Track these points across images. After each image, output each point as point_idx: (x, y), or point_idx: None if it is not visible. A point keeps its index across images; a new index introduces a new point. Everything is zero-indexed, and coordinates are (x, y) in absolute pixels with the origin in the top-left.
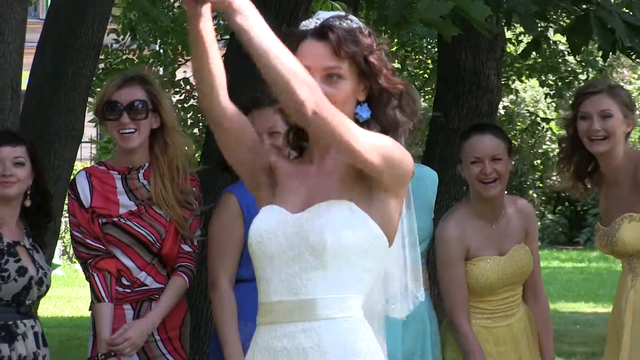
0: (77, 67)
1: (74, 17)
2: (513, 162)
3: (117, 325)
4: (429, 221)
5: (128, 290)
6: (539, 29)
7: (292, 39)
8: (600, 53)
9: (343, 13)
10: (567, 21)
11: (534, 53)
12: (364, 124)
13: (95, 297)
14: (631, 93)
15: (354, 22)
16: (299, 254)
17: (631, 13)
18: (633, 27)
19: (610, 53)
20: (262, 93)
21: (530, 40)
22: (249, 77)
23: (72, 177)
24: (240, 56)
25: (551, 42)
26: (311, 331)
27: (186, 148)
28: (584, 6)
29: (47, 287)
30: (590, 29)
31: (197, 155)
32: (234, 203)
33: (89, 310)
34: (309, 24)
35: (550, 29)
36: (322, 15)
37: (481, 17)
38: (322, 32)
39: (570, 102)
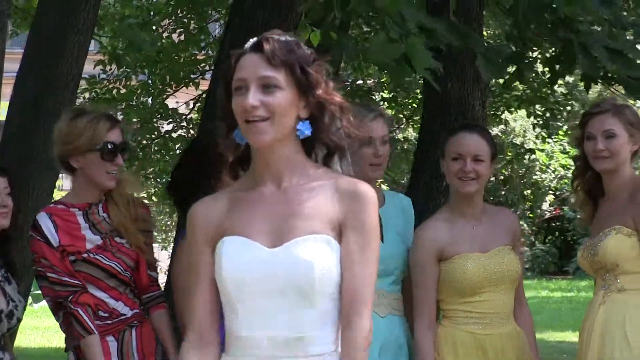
0: (57, 97)
1: (54, 47)
2: (504, 186)
3: (106, 358)
4: (402, 248)
5: (109, 322)
6: (527, 59)
7: (232, 59)
8: (583, 84)
9: (284, 33)
10: (550, 51)
11: (519, 84)
12: (308, 143)
13: (85, 331)
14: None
15: (292, 38)
16: (282, 291)
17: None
18: (614, 52)
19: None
20: None
21: (512, 71)
22: None
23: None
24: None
25: (539, 72)
26: None
27: (129, 177)
28: (566, 36)
29: (18, 320)
30: (574, 56)
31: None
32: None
33: (68, 349)
34: (250, 42)
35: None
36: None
37: (422, 66)
38: (258, 45)
39: (578, 121)
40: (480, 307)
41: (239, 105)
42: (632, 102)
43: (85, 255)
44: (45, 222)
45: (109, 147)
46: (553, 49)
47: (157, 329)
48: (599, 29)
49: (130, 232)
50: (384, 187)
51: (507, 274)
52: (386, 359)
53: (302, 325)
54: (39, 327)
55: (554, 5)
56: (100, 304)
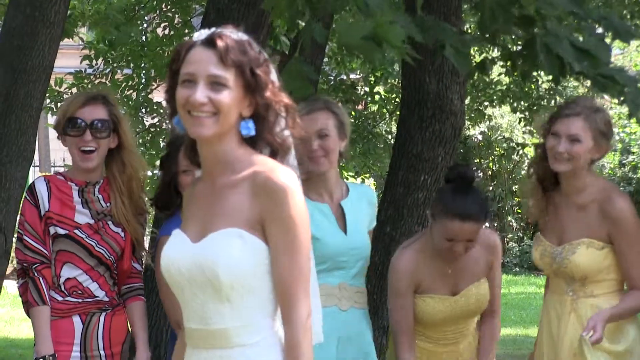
0: (28, 89)
1: (25, 39)
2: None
3: (66, 337)
4: (365, 240)
5: (79, 300)
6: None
7: (182, 49)
8: (551, 77)
9: (233, 28)
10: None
11: (505, 78)
12: (250, 142)
13: (41, 300)
14: (611, 118)
15: (244, 35)
16: (201, 286)
17: (581, 37)
18: (581, 50)
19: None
20: None
21: (476, 64)
22: None
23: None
24: None
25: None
26: (227, 358)
27: (141, 171)
28: (533, 30)
29: None
30: (536, 55)
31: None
32: None
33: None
34: (201, 34)
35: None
36: (215, 29)
37: (397, 41)
38: (211, 40)
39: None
40: (441, 334)
41: (183, 97)
42: (603, 97)
43: (76, 231)
44: (40, 186)
45: (74, 122)
46: (517, 45)
47: (130, 320)
48: (565, 24)
49: (129, 221)
50: (372, 181)
51: (473, 308)
52: (349, 352)
53: (219, 317)
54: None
55: (520, 2)
56: (76, 285)
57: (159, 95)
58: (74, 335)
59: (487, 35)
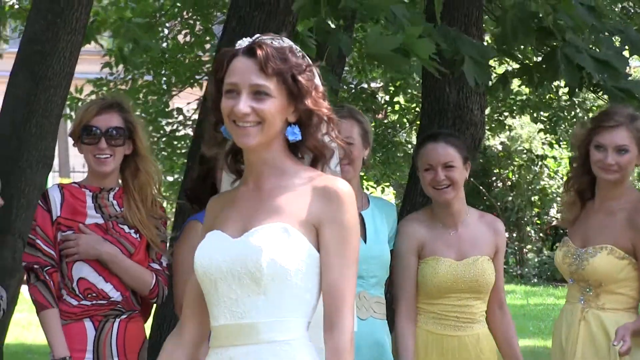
0: (49, 95)
1: (47, 45)
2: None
3: (79, 344)
4: (385, 250)
5: (94, 302)
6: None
7: (225, 58)
8: (567, 90)
9: (277, 35)
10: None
11: (525, 89)
12: (294, 147)
13: (54, 301)
14: None
15: (286, 41)
16: (239, 279)
17: (598, 50)
18: (600, 61)
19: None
20: None
21: (497, 77)
22: None
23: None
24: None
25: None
26: (254, 354)
27: (155, 177)
28: (553, 43)
29: (3, 312)
30: (557, 66)
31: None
32: (200, 229)
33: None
34: (243, 43)
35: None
36: (257, 36)
37: (425, 55)
38: (251, 50)
39: (587, 122)
40: (442, 309)
41: (228, 108)
42: None
43: (81, 228)
44: (54, 193)
45: (89, 130)
46: (537, 56)
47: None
48: (583, 37)
49: (144, 224)
50: (392, 190)
51: (477, 283)
52: (367, 358)
53: (253, 311)
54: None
55: (540, 15)
56: (89, 286)
57: (179, 102)
58: (86, 341)
59: (505, 47)
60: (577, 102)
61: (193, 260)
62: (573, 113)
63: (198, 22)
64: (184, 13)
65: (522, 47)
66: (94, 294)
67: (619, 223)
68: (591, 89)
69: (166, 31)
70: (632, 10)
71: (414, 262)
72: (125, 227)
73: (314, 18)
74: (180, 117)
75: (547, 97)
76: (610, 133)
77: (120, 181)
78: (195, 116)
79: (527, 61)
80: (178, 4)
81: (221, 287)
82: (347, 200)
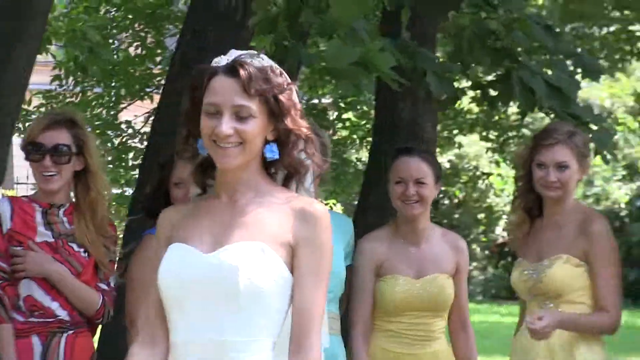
0: (2, 104)
1: (1, 52)
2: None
3: (25, 359)
4: (340, 265)
5: (40, 320)
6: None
7: (204, 75)
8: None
9: (255, 52)
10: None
11: (474, 106)
12: (269, 163)
13: (7, 316)
14: (587, 137)
15: (266, 60)
16: (212, 296)
17: (550, 72)
18: (552, 87)
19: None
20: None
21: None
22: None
23: None
24: (174, 103)
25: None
26: None
27: (106, 195)
28: (508, 62)
29: None
30: (512, 88)
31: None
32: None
33: None
34: (221, 60)
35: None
36: (234, 53)
37: (385, 67)
38: (233, 69)
39: (528, 141)
40: (400, 327)
41: (209, 128)
42: None
43: (30, 246)
44: (3, 205)
45: (35, 147)
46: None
47: None
48: (535, 62)
49: (93, 242)
50: (340, 207)
51: (435, 301)
52: None
53: (225, 330)
54: None
55: (496, 34)
56: (35, 304)
57: (128, 114)
58: (32, 357)
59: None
60: (525, 121)
61: (150, 274)
62: (521, 132)
63: (149, 35)
64: (136, 25)
65: (476, 65)
66: (41, 312)
67: (570, 233)
68: (543, 112)
69: (117, 43)
70: (582, 31)
71: (371, 281)
72: (75, 246)
73: (271, 34)
74: (130, 130)
75: (496, 116)
76: (549, 151)
77: (70, 198)
78: (146, 129)
79: (478, 79)
80: (130, 16)
81: (189, 302)
82: (324, 222)
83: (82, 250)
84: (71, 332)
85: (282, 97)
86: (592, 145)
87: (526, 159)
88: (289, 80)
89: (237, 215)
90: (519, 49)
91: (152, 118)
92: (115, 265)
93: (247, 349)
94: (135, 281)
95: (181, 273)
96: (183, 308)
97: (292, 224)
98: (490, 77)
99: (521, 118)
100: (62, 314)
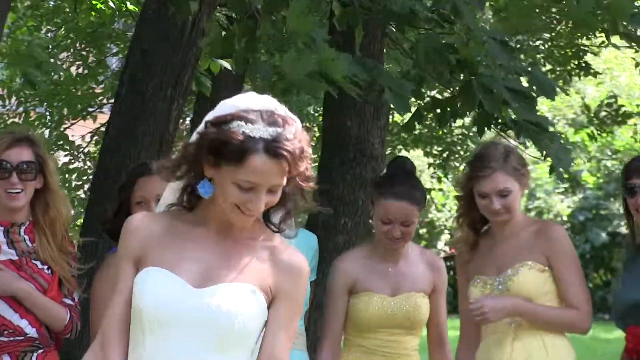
0: None
1: None
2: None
3: None
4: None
5: (10, 339)
6: (423, 100)
7: (245, 148)
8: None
9: (284, 111)
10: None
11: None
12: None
13: None
14: (517, 150)
15: (302, 132)
16: (198, 332)
17: (515, 76)
18: (516, 92)
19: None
20: (149, 156)
21: (413, 112)
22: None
23: None
24: (123, 122)
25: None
26: None
27: (64, 212)
28: (467, 74)
29: None
30: (474, 95)
31: (81, 218)
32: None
33: None
34: (257, 131)
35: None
36: (254, 102)
37: (339, 75)
38: (276, 153)
39: (465, 167)
40: (373, 344)
41: (241, 200)
42: (521, 148)
43: None
44: None
45: (0, 165)
46: (449, 90)
47: None
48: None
49: (55, 260)
50: None
51: (409, 320)
52: None
53: None
54: None
55: (454, 46)
56: (6, 323)
57: (70, 134)
58: None
59: (419, 82)
60: (470, 135)
61: (109, 291)
62: (466, 147)
63: (91, 54)
64: (77, 44)
65: (434, 80)
66: (11, 330)
67: (529, 241)
68: (499, 127)
69: (59, 62)
70: (525, 44)
71: (344, 301)
72: (38, 263)
73: (229, 53)
74: (74, 150)
75: (440, 132)
76: (487, 181)
77: (30, 216)
78: (89, 148)
79: (437, 95)
80: (71, 35)
81: (170, 333)
82: (306, 278)
83: (45, 267)
84: (41, 351)
85: (304, 164)
86: (542, 159)
87: (466, 184)
88: (307, 135)
89: (229, 252)
90: (477, 63)
91: (94, 137)
92: (77, 282)
93: None
94: (98, 300)
95: (167, 303)
96: (160, 337)
97: (275, 272)
98: (447, 94)
99: (479, 135)
100: (31, 331)
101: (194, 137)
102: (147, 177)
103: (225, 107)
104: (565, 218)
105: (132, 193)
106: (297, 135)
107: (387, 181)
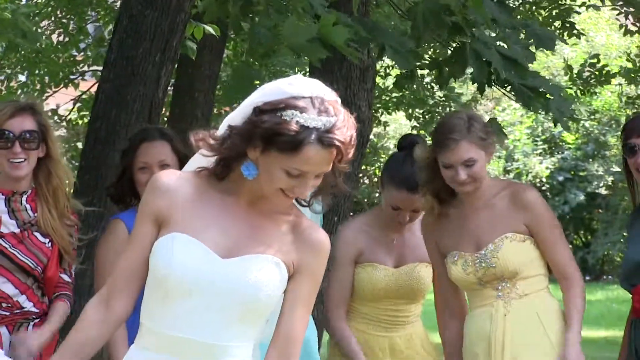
0: None
1: None
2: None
3: None
4: None
5: (7, 313)
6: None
7: (300, 137)
8: (474, 85)
9: (333, 97)
10: (436, 54)
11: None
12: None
13: None
14: (482, 117)
15: (347, 118)
16: (222, 301)
17: (506, 46)
18: (507, 58)
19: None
20: (150, 124)
21: (401, 73)
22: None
23: None
24: (112, 88)
25: (418, 75)
26: None
27: (66, 181)
28: (460, 39)
29: None
30: (466, 61)
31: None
32: (123, 229)
33: None
34: (312, 120)
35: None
36: (304, 88)
37: (340, 41)
38: (330, 143)
39: (430, 135)
40: (375, 312)
41: (289, 185)
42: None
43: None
44: None
45: (2, 134)
46: (445, 52)
47: (48, 316)
48: (492, 34)
49: (56, 230)
50: None
51: (412, 290)
52: None
53: (221, 335)
54: None
55: (451, 9)
56: (5, 297)
57: (53, 102)
58: (1, 342)
59: (417, 43)
60: (452, 96)
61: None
62: (448, 109)
63: (72, 22)
64: (58, 12)
65: (431, 40)
66: (9, 305)
67: (504, 211)
68: (498, 85)
69: (40, 31)
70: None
71: (350, 271)
72: (39, 235)
73: (225, 18)
74: (56, 118)
75: (422, 93)
76: (452, 153)
77: (33, 184)
78: (71, 116)
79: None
80: (52, 3)
81: (193, 301)
82: (326, 254)
83: (47, 240)
84: (37, 320)
85: (350, 151)
86: (545, 115)
87: (430, 154)
88: (354, 120)
89: (256, 224)
90: (473, 24)
91: (77, 105)
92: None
93: (236, 354)
94: (103, 267)
95: (194, 269)
96: (182, 304)
97: (300, 247)
98: (444, 55)
99: (480, 93)
100: (29, 305)
101: (237, 120)
102: (149, 142)
103: (274, 91)
104: (544, 179)
105: (135, 159)
106: (346, 122)
107: (397, 168)
